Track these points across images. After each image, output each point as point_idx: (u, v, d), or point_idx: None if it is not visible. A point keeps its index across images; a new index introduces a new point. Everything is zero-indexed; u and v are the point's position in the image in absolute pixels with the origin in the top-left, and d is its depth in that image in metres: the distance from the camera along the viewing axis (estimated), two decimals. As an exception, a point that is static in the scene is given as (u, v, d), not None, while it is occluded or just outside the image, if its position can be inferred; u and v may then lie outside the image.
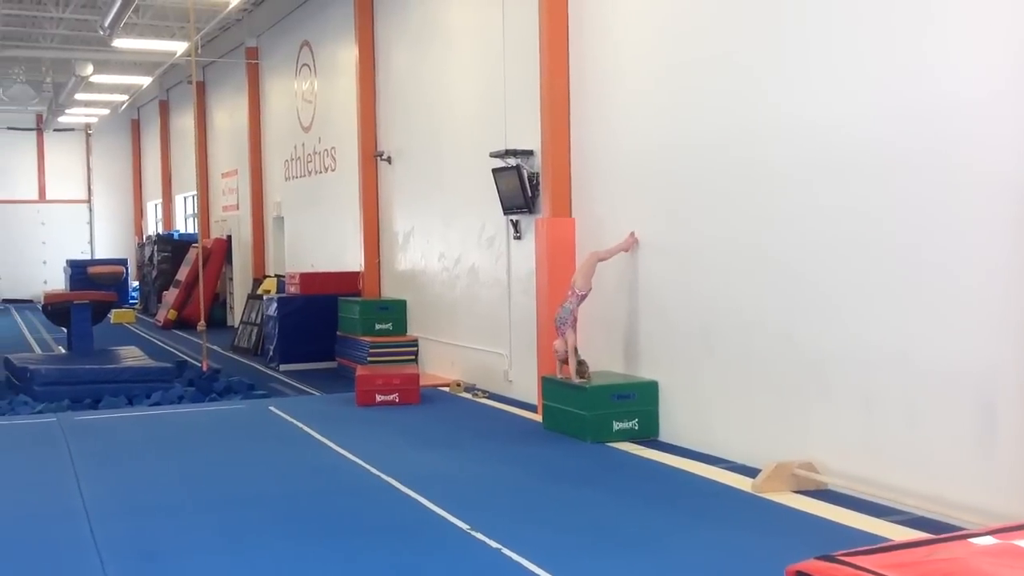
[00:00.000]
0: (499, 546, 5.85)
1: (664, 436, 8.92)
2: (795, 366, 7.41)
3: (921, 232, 6.41)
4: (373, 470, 7.97)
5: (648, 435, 8.93)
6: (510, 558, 5.65)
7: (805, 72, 7.31)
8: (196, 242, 22.56)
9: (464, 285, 12.73)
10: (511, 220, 11.34)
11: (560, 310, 9.39)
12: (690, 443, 8.55)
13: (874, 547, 3.89)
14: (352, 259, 15.95)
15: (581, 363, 9.23)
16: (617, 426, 8.86)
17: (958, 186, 6.15)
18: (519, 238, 11.28)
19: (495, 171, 11.21)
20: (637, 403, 8.95)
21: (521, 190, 10.88)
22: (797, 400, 7.40)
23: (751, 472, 7.41)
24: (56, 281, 29.44)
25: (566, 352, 9.25)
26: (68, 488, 7.61)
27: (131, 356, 13.93)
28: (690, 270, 8.60)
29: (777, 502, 6.80)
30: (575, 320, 9.34)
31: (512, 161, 10.99)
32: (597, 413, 8.83)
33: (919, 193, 6.39)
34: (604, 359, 9.77)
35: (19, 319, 25.38)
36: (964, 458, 6.14)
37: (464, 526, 6.29)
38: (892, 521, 6.24)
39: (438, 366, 13.30)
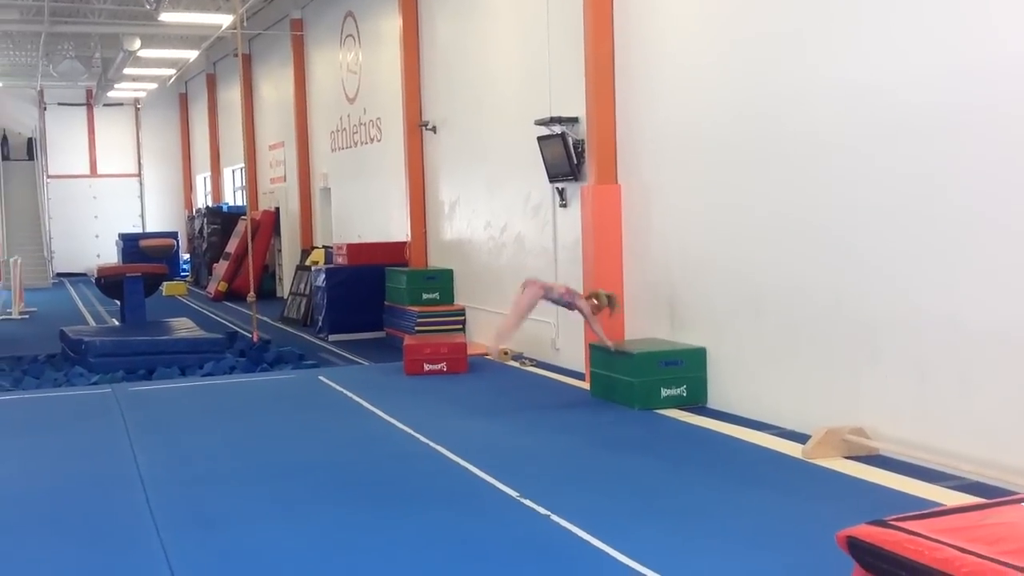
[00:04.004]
0: (548, 513, 5.87)
1: (712, 403, 8.89)
2: (845, 331, 7.34)
3: (975, 194, 6.29)
4: (422, 438, 8.03)
5: (696, 402, 8.90)
6: (559, 524, 5.67)
7: (856, 35, 7.18)
8: (245, 214, 22.76)
9: (510, 254, 12.73)
10: (556, 188, 11.30)
11: (554, 298, 9.43)
12: (739, 409, 8.51)
13: (927, 512, 3.87)
14: (398, 229, 16.01)
15: (608, 297, 9.28)
16: (665, 393, 8.84)
17: (1018, 145, 6.02)
18: (565, 206, 11.25)
19: (540, 139, 11.17)
20: (685, 370, 8.92)
21: (566, 158, 10.83)
22: (847, 365, 7.33)
23: (801, 438, 7.37)
24: (108, 255, 29.87)
25: (592, 313, 9.30)
26: (124, 457, 7.75)
27: (183, 327, 14.12)
28: (737, 236, 8.52)
29: (828, 468, 6.76)
30: (572, 295, 9.36)
31: (557, 129, 10.94)
32: (645, 380, 8.82)
33: (976, 154, 6.28)
34: (650, 326, 9.74)
35: (73, 292, 25.81)
36: (1019, 422, 6.05)
37: (513, 493, 6.32)
38: (945, 486, 6.18)
39: (485, 335, 13.33)
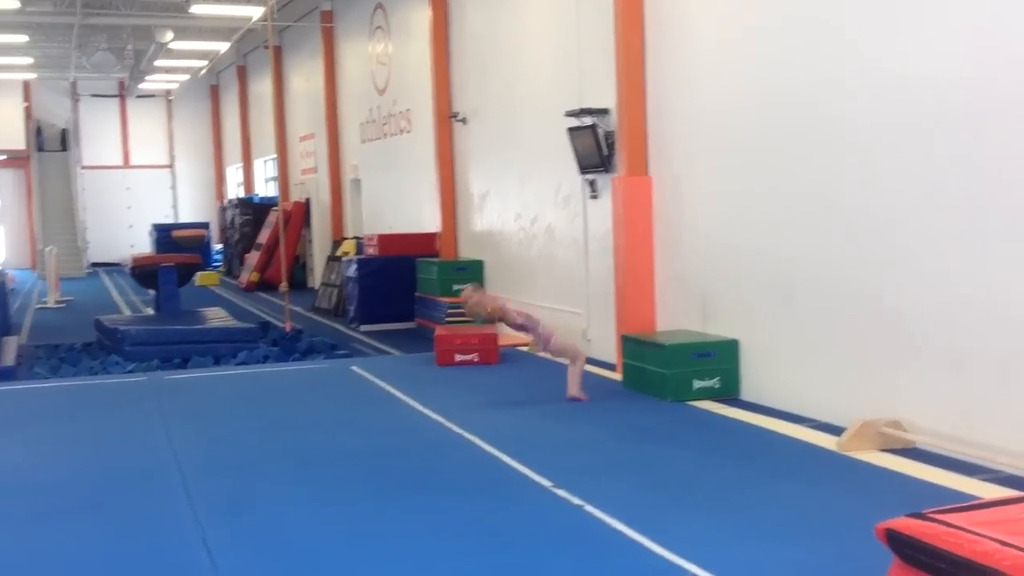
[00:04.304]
0: (581, 503, 5.88)
1: (746, 394, 8.87)
2: (881, 322, 7.29)
3: (1015, 182, 6.23)
4: (454, 428, 8.06)
5: (729, 393, 8.88)
6: (592, 515, 5.68)
7: (894, 18, 7.12)
8: (276, 205, 22.90)
9: (541, 245, 12.74)
10: (587, 179, 11.29)
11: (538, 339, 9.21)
12: (773, 401, 8.49)
13: (966, 504, 3.85)
14: (429, 220, 16.05)
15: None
16: (698, 384, 8.82)
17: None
18: (595, 197, 11.24)
19: (570, 130, 11.16)
20: (717, 361, 8.90)
21: (597, 149, 10.82)
22: (884, 357, 7.29)
23: (836, 431, 7.34)
24: (142, 245, 30.14)
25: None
26: (160, 444, 7.84)
27: (217, 317, 14.24)
28: (770, 226, 8.49)
29: (863, 460, 6.72)
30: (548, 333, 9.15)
31: (587, 120, 10.93)
32: (677, 371, 8.81)
33: (1018, 140, 6.20)
34: (681, 317, 9.72)
35: (108, 282, 26.06)
36: (1057, 416, 6.00)
37: (546, 483, 6.34)
38: (983, 479, 6.13)
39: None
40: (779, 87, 8.34)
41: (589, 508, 5.78)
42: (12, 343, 13.29)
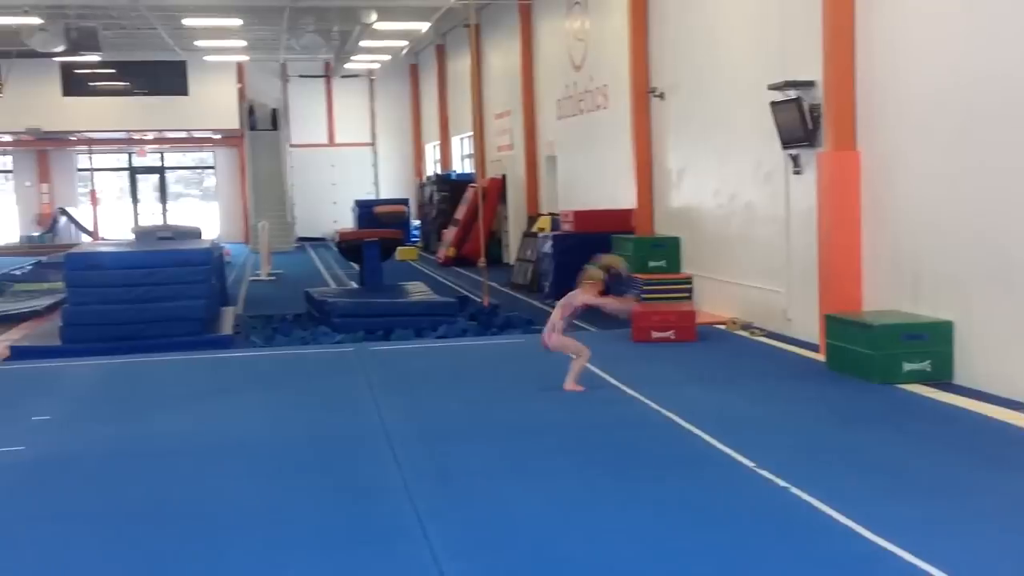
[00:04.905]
0: (787, 485, 5.78)
1: (960, 379, 8.47)
2: (1113, 307, 6.83)
3: None
4: (652, 405, 8.05)
5: (942, 377, 8.51)
6: (799, 497, 5.57)
7: None
8: (473, 182, 23.33)
9: (739, 222, 12.51)
10: (790, 154, 11.00)
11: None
12: (989, 387, 8.08)
13: None
14: (624, 197, 16.00)
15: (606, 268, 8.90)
16: (907, 367, 8.50)
17: None
18: (799, 173, 10.94)
19: (773, 104, 10.89)
20: (929, 343, 8.54)
21: (801, 123, 10.52)
22: (1115, 343, 6.83)
23: (1059, 419, 6.95)
24: (345, 221, 31.28)
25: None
26: (368, 412, 8.17)
27: (418, 291, 14.66)
28: (989, 204, 8.06)
29: (1090, 452, 6.35)
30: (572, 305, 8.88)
31: (791, 93, 10.63)
32: (886, 353, 8.50)
33: None
34: (890, 297, 9.38)
35: (314, 256, 27.22)
36: None
37: (749, 463, 6.26)
38: None
39: (713, 303, 13.18)
40: (998, 58, 7.88)
41: (795, 491, 5.68)
42: (229, 314, 14.10)
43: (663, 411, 7.82)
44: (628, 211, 15.66)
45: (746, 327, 11.77)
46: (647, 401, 8.20)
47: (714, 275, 13.23)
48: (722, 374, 9.40)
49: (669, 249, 14.29)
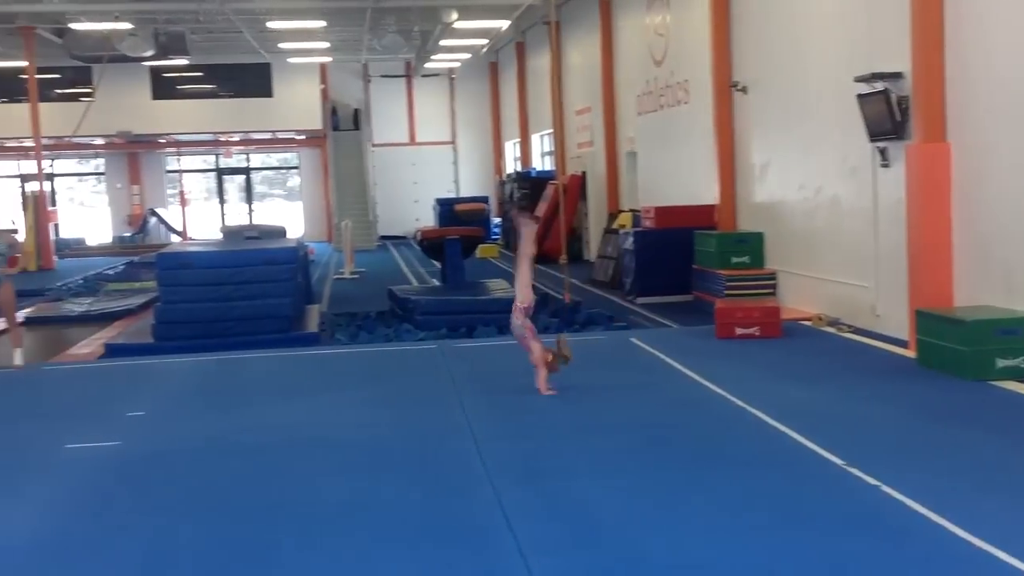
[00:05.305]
0: (877, 483, 5.69)
1: (1058, 377, 8.26)
2: None
3: None
4: (738, 401, 7.98)
5: (1036, 374, 8.31)
6: (890, 496, 5.48)
7: None
8: (553, 179, 23.31)
9: (825, 216, 12.31)
10: (877, 147, 10.80)
11: (512, 328, 8.83)
12: (1089, 385, 7.86)
13: None
14: (706, 192, 15.86)
15: (557, 357, 8.67)
16: (1001, 364, 8.29)
17: None
18: (886, 166, 10.73)
19: (859, 96, 10.70)
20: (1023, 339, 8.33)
21: (888, 115, 10.32)
22: None
23: None
24: (426, 219, 31.52)
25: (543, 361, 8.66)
26: (453, 408, 8.23)
27: (499, 288, 14.72)
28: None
29: None
30: (532, 331, 8.75)
31: (878, 85, 10.43)
32: (978, 349, 8.31)
33: None
34: (982, 293, 9.16)
35: (395, 254, 27.49)
36: None
37: (839, 461, 6.17)
38: None
39: (797, 299, 13.00)
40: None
41: (886, 489, 5.59)
42: (314, 311, 14.32)
43: (749, 408, 7.75)
44: (710, 207, 15.52)
45: (833, 323, 11.58)
46: (732, 398, 8.13)
47: (799, 271, 13.04)
48: (809, 371, 9.28)
49: (752, 244, 14.13)
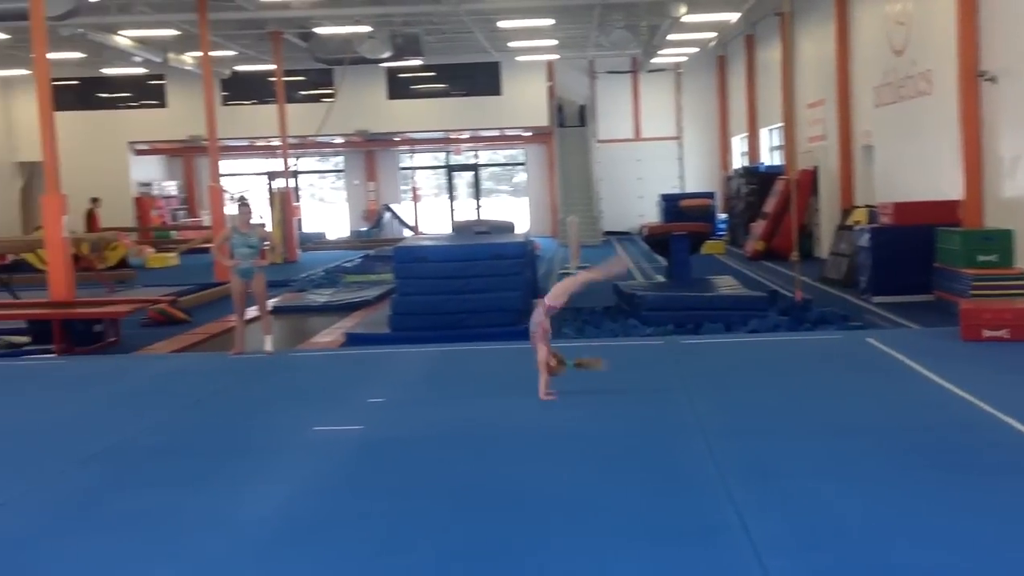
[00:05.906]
0: None
1: None
2: None
3: None
4: (986, 407, 7.57)
5: None
6: None
7: None
8: (782, 174, 22.75)
9: (1085, 212, 11.48)
10: None
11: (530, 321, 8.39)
12: None
13: None
14: (949, 187, 15.08)
15: (561, 362, 8.39)
16: None
17: None
18: None
19: None
20: None
21: None
22: None
23: None
24: (650, 215, 31.39)
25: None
26: (682, 406, 8.19)
27: (726, 285, 14.52)
28: None
29: None
30: (544, 332, 8.30)
31: None
32: None
33: None
34: None
35: (620, 249, 27.54)
36: None
37: (1102, 475, 5.77)
38: None
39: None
40: None
41: None
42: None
43: (998, 414, 7.33)
44: (954, 202, 14.74)
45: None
46: (978, 403, 7.71)
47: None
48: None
49: (1000, 242, 13.33)
